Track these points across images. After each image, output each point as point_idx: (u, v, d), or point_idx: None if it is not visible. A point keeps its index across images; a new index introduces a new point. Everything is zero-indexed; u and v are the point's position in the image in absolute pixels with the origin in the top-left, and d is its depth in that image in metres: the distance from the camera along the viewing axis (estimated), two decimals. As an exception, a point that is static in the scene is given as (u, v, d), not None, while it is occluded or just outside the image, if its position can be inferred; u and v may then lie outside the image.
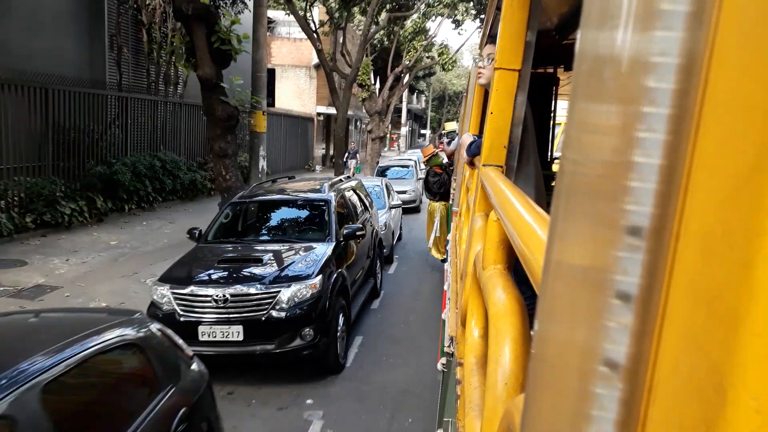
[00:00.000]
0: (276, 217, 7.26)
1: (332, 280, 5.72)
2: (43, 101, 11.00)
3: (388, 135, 27.57)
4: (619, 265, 0.32)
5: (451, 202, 8.23)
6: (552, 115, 6.40)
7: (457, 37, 38.21)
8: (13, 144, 10.29)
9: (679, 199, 0.29)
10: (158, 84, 15.64)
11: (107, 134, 12.87)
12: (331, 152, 27.37)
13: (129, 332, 3.08)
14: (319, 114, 30.63)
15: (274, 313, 5.20)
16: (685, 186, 0.28)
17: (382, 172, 17.02)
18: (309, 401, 5.01)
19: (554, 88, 6.07)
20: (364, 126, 32.92)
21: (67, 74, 11.64)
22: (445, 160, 9.57)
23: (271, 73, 12.48)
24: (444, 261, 8.44)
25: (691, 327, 0.28)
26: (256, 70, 11.35)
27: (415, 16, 23.36)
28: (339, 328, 5.73)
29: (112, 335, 2.90)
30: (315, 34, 18.05)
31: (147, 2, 14.29)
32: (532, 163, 2.60)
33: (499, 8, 1.93)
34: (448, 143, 9.21)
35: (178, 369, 3.37)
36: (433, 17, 24.26)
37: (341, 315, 5.83)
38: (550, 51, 3.38)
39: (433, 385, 4.69)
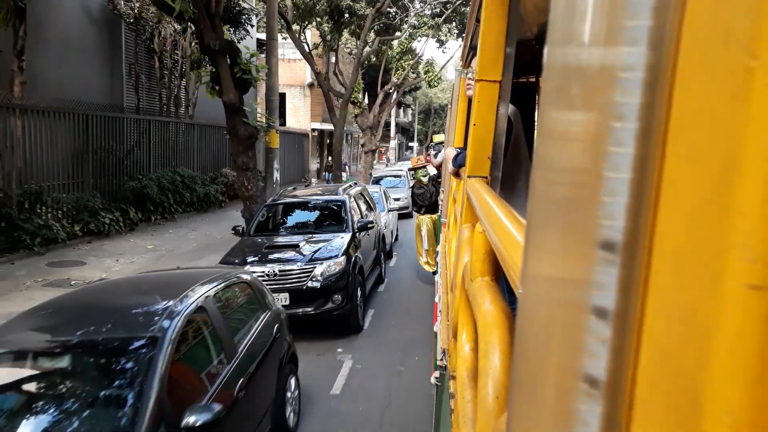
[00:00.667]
0: (303, 215, 8.99)
1: (352, 260, 7.44)
2: (83, 126, 12.65)
3: (378, 148, 29.48)
4: (595, 280, 0.32)
5: (439, 213, 8.29)
6: (534, 124, 6.40)
7: (441, 55, 40.82)
8: (61, 163, 11.96)
9: (650, 215, 0.29)
10: (169, 106, 17.19)
11: (132, 153, 14.59)
12: (326, 165, 29.38)
13: (242, 275, 4.98)
14: (313, 130, 32.00)
15: (311, 284, 6.91)
16: (655, 201, 0.28)
17: (376, 182, 18.07)
18: (339, 349, 6.80)
19: (537, 97, 6.09)
20: (356, 140, 35.05)
21: (93, 101, 13.09)
22: (434, 172, 9.67)
23: (282, 96, 14.05)
24: (435, 273, 8.67)
25: (667, 343, 0.27)
26: (270, 95, 12.86)
27: (402, 36, 25.15)
28: (359, 297, 7.52)
29: (233, 276, 4.69)
30: (311, 57, 19.73)
31: (159, 32, 15.91)
32: (523, 171, 2.61)
33: (478, 20, 1.95)
34: (435, 155, 9.28)
35: (268, 303, 5.13)
36: (419, 38, 26.30)
37: (359, 288, 7.62)
38: (531, 60, 3.42)
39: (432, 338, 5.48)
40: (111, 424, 2.87)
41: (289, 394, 4.95)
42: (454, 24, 24.59)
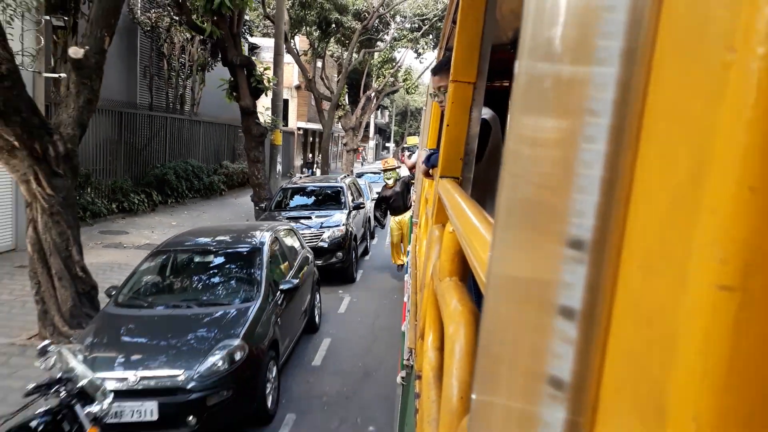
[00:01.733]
0: (312, 195, 11.91)
1: (349, 230, 10.18)
2: (117, 121, 15.34)
3: (358, 147, 32.50)
4: (562, 279, 0.31)
5: (411, 213, 8.42)
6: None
7: (419, 64, 44.44)
8: (101, 152, 14.63)
9: (621, 213, 0.28)
10: (175, 104, 19.58)
11: (150, 145, 17.24)
12: (306, 162, 33.70)
13: (288, 224, 8.07)
14: (299, 128, 34.47)
15: (321, 244, 9.64)
16: (626, 199, 0.28)
17: (359, 177, 19.90)
18: (340, 291, 9.63)
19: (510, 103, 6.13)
20: (336, 140, 38.99)
21: (114, 99, 15.09)
22: (406, 173, 9.95)
23: (285, 102, 16.77)
24: (401, 267, 10.03)
25: (633, 345, 0.27)
26: (276, 100, 15.48)
27: (384, 48, 28.39)
28: (353, 258, 10.30)
29: (284, 225, 7.86)
30: (303, 65, 22.49)
31: (171, 38, 18.31)
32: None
33: (455, 22, 1.95)
34: (409, 156, 9.48)
35: (303, 244, 8.03)
36: (399, 49, 29.57)
37: (353, 251, 10.35)
38: (507, 65, 3.45)
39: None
40: (245, 287, 5.77)
41: (317, 302, 7.70)
42: (430, 37, 27.24)
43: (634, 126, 0.27)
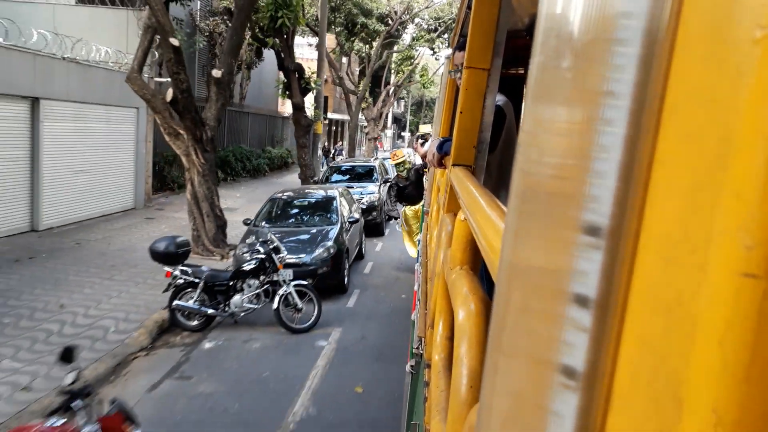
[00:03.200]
0: (351, 172, 16.12)
1: (380, 197, 13.77)
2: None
3: (378, 136, 37.15)
4: (577, 266, 0.31)
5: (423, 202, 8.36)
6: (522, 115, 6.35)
7: (434, 61, 46.61)
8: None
9: (639, 198, 0.27)
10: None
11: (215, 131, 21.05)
12: (324, 149, 38.18)
13: (344, 186, 12.98)
14: (324, 118, 37.32)
15: (360, 206, 12.40)
16: (645, 184, 0.27)
17: None
18: (375, 240, 13.52)
19: (525, 89, 6.06)
20: (360, 128, 43.51)
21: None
22: (419, 162, 9.82)
23: (326, 98, 20.65)
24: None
25: (649, 333, 0.26)
26: (318, 97, 18.95)
27: (402, 47, 32.94)
28: (384, 217, 14.18)
29: (341, 186, 12.72)
30: (335, 64, 26.62)
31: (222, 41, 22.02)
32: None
33: (470, 7, 1.93)
34: (422, 144, 9.41)
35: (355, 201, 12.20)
36: (417, 48, 33.19)
37: (383, 212, 14.07)
38: (522, 52, 3.40)
39: (408, 263, 10.65)
40: (329, 217, 10.10)
41: (363, 240, 11.70)
42: (445, 36, 29.96)
43: (656, 108, 0.26)
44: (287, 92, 17.26)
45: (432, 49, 31.98)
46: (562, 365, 0.31)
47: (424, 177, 9.31)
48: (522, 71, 4.73)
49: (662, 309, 0.25)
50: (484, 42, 1.61)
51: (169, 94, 9.84)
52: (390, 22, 26.95)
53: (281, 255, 7.55)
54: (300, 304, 7.42)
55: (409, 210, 9.99)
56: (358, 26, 25.77)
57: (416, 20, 30.43)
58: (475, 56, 1.64)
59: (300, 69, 16.82)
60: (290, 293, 7.36)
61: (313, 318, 7.49)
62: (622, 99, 0.28)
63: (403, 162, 10.42)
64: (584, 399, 0.30)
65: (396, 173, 10.80)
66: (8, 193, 10.92)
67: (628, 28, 0.28)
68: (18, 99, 10.85)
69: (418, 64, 34.50)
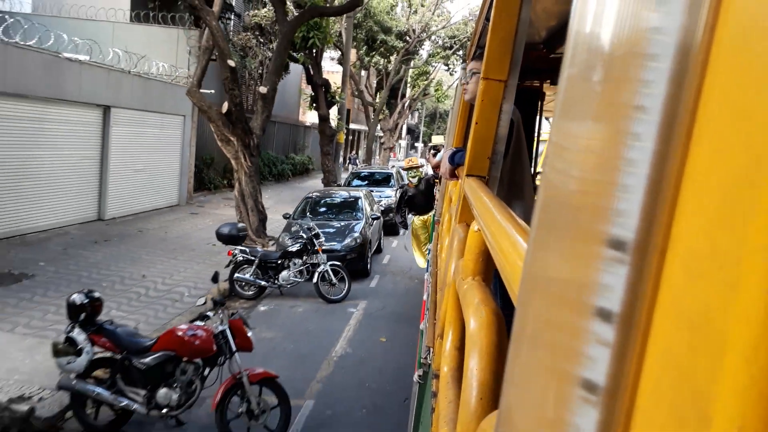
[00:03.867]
0: (370, 178, 18.14)
1: (398, 200, 12.56)
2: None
3: (393, 146, 39.45)
4: (601, 280, 0.30)
5: (434, 212, 8.33)
6: (537, 130, 6.28)
7: (449, 76, 48.88)
8: (214, 143, 17.56)
9: (666, 213, 0.27)
10: (253, 106, 26.09)
11: None
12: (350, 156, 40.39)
13: (366, 190, 14.66)
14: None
15: (381, 208, 14.12)
16: (672, 198, 0.27)
17: None
18: (391, 238, 15.04)
19: (539, 103, 6.00)
20: (377, 138, 46.29)
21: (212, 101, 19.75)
22: (430, 173, 9.79)
23: (348, 111, 22.98)
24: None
25: (675, 350, 0.26)
26: (341, 109, 21.12)
27: (419, 62, 34.76)
28: (399, 218, 14.05)
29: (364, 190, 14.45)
30: (356, 77, 28.44)
31: (257, 55, 23.18)
32: (526, 174, 2.59)
33: (488, 18, 1.93)
34: (434, 155, 9.50)
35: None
36: (432, 64, 35.41)
37: (401, 214, 14.14)
38: (537, 64, 3.40)
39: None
40: (355, 213, 12.09)
41: (381, 237, 13.45)
42: (460, 53, 31.35)
43: (686, 123, 0.26)
44: (314, 104, 19.97)
45: (446, 65, 34.27)
46: (583, 379, 0.31)
47: (435, 188, 9.28)
48: (537, 84, 4.71)
49: (688, 325, 0.25)
50: (502, 53, 1.61)
51: (225, 106, 11.57)
52: (408, 39, 29.09)
53: (320, 240, 9.43)
54: (334, 280, 9.43)
55: (418, 220, 9.94)
56: (378, 42, 27.72)
57: (432, 38, 32.64)
58: (492, 67, 1.64)
59: (327, 84, 19.34)
60: (327, 271, 9.36)
61: (344, 291, 9.53)
62: (653, 114, 0.28)
63: (417, 169, 10.28)
64: (605, 414, 0.30)
65: (407, 181, 10.73)
66: (82, 187, 12.91)
67: (660, 43, 0.28)
68: (94, 107, 13.05)
69: (433, 79, 37.20)
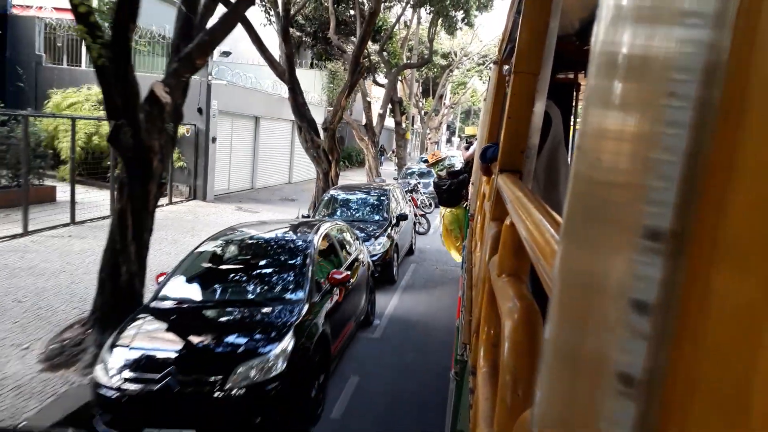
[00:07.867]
0: (417, 173, 21.96)
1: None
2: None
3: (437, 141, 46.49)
4: (638, 271, 0.30)
5: (467, 206, 8.20)
6: (573, 121, 6.18)
7: (482, 85, 52.64)
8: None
9: (704, 202, 0.26)
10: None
11: None
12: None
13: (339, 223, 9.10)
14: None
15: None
16: (711, 190, 0.26)
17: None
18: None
19: (575, 94, 5.89)
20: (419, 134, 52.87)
21: None
22: (459, 165, 9.70)
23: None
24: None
25: (712, 340, 0.25)
26: (408, 115, 24.73)
27: (458, 73, 41.52)
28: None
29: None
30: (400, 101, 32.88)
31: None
32: (562, 171, 2.55)
33: (519, 12, 1.91)
34: (467, 147, 9.34)
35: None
36: (469, 77, 42.17)
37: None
38: (571, 56, 3.34)
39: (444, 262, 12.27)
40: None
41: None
42: (491, 66, 34.45)
43: (726, 106, 0.25)
44: (392, 113, 25.55)
45: (480, 77, 40.38)
46: (619, 372, 0.31)
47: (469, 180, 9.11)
48: (571, 76, 4.62)
49: (728, 317, 0.24)
50: (534, 46, 1.59)
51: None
52: (452, 59, 37.43)
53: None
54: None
55: (448, 213, 9.75)
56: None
57: (469, 56, 40.08)
58: (523, 61, 1.62)
59: (401, 101, 25.51)
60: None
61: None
62: (687, 100, 0.27)
63: (442, 161, 10.12)
64: (641, 406, 0.30)
65: (435, 173, 10.53)
66: (244, 167, 20.36)
67: (694, 26, 0.27)
68: (250, 117, 20.56)
69: (469, 88, 46.16)
